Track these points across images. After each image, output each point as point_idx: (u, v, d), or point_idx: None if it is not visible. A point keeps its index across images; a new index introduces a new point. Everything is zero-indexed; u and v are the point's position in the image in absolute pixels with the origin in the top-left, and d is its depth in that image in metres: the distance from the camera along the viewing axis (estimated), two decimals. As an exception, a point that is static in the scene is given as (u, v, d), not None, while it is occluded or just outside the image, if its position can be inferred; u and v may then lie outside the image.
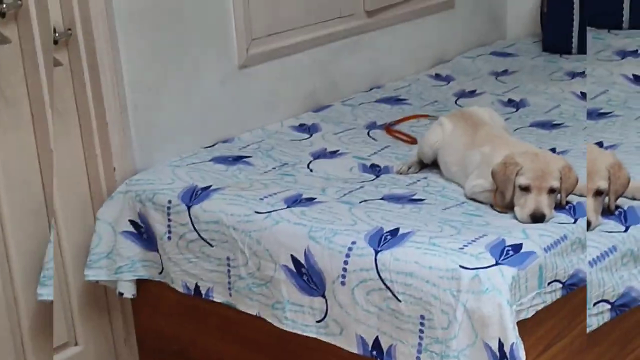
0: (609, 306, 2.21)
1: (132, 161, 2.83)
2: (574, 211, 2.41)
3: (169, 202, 2.63)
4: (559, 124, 3.13)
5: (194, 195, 2.62)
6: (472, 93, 3.53)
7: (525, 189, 2.38)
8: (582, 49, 3.96)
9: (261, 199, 2.55)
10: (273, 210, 2.47)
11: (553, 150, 2.82)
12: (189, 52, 2.95)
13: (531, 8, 4.35)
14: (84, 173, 2.81)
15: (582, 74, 3.68)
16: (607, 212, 2.33)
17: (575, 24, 3.96)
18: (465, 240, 2.22)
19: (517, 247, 2.19)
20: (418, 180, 2.71)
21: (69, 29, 2.67)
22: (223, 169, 2.81)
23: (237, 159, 2.88)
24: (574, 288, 2.30)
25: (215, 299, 2.58)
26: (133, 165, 2.83)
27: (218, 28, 3.03)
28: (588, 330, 2.21)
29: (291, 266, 2.37)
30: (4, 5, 2.52)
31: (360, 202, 2.51)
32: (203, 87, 3.01)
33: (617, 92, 3.28)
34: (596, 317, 2.21)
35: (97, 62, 2.69)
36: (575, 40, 3.96)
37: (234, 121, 3.13)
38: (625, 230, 2.27)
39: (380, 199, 2.55)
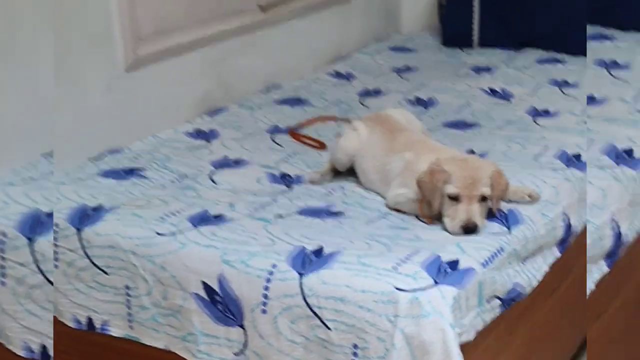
0: (499, 302, 2.08)
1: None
2: (507, 219, 2.23)
3: (56, 225, 2.32)
4: (473, 124, 2.96)
5: (84, 217, 2.32)
6: (377, 92, 3.33)
7: (455, 199, 2.19)
8: (483, 42, 3.82)
9: (162, 218, 2.28)
10: (178, 232, 2.20)
11: (472, 152, 2.65)
12: (69, 55, 2.63)
13: (426, 1, 4.19)
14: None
15: (488, 69, 3.54)
16: (491, 215, 2.22)
17: (476, 16, 3.81)
18: (398, 258, 2.01)
19: (453, 264, 2.00)
20: (334, 190, 2.48)
21: None
22: (114, 185, 2.51)
23: (130, 172, 2.59)
24: (512, 303, 2.13)
25: (112, 333, 2.29)
26: None
27: (101, 27, 2.73)
28: (481, 325, 2.06)
29: (203, 294, 2.11)
30: None
31: (276, 218, 2.27)
32: (86, 93, 2.70)
33: (479, 105, 3.14)
34: (489, 313, 2.07)
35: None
36: (476, 33, 3.82)
37: (122, 129, 2.82)
38: (509, 232, 2.18)
39: (297, 213, 2.31)
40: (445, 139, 2.73)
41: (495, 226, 2.20)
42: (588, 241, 2.41)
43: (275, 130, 2.95)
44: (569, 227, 2.39)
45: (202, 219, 2.26)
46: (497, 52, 3.76)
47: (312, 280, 1.99)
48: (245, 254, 2.08)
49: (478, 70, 3.55)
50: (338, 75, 3.57)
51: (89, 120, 2.71)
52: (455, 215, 2.18)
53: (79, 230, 2.28)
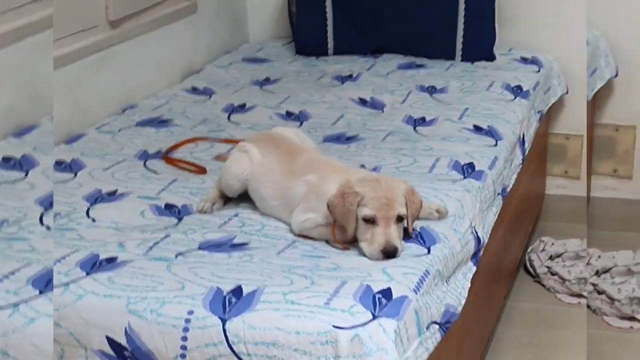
0: (437, 326, 1.98)
1: None
2: (423, 239, 2.12)
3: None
4: (353, 137, 2.82)
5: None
6: (242, 107, 3.14)
7: (371, 221, 2.05)
8: (338, 50, 3.72)
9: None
10: (71, 281, 1.94)
11: (362, 167, 2.52)
12: None
13: (273, 9, 4.05)
14: None
15: (351, 77, 3.43)
16: (406, 235, 2.13)
17: (330, 22, 3.70)
18: (327, 292, 1.85)
19: (387, 293, 1.86)
20: (229, 219, 2.28)
21: None
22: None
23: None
24: (449, 326, 2.02)
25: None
26: None
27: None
28: (427, 354, 1.95)
29: (109, 350, 1.85)
30: None
31: (177, 257, 2.05)
32: None
33: (353, 116, 3.04)
34: (431, 340, 1.96)
35: None
36: (330, 40, 3.71)
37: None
38: (428, 252, 2.08)
39: (198, 248, 2.10)
40: (332, 155, 2.59)
41: (413, 247, 2.08)
42: (457, 247, 2.26)
43: (145, 155, 2.71)
44: (478, 239, 2.31)
45: (94, 264, 2.02)
46: (354, 58, 3.67)
47: (237, 324, 1.78)
48: (154, 300, 1.86)
49: (341, 79, 3.43)
50: (195, 90, 3.35)
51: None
52: (373, 239, 2.04)
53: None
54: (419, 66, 3.54)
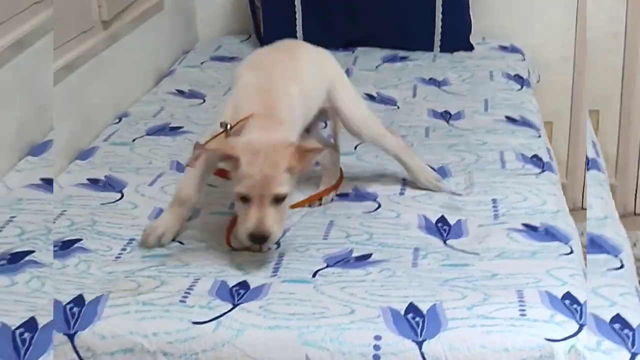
0: None
1: None
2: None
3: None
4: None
5: (70, 317, 1.73)
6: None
7: (244, 199, 1.87)
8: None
9: (182, 300, 1.77)
10: (220, 315, 1.72)
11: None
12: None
13: (222, 4, 3.82)
14: None
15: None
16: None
17: (299, 17, 3.54)
18: (512, 303, 1.73)
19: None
20: (327, 230, 2.11)
21: None
22: (60, 266, 1.92)
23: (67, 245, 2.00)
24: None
25: None
26: None
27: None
28: None
29: (285, 387, 1.66)
30: None
31: (314, 276, 1.86)
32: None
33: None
34: None
35: None
36: (300, 36, 3.54)
37: None
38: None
39: (326, 265, 1.92)
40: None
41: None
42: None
43: (180, 167, 2.44)
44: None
45: (230, 292, 1.79)
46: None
47: (435, 346, 1.63)
48: (330, 328, 1.66)
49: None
50: (182, 94, 3.10)
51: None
52: (244, 221, 1.86)
53: (70, 336, 1.70)
54: (403, 58, 3.43)
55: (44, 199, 2.21)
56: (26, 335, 1.65)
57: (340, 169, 2.36)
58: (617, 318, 1.71)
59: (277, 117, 1.98)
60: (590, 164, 2.52)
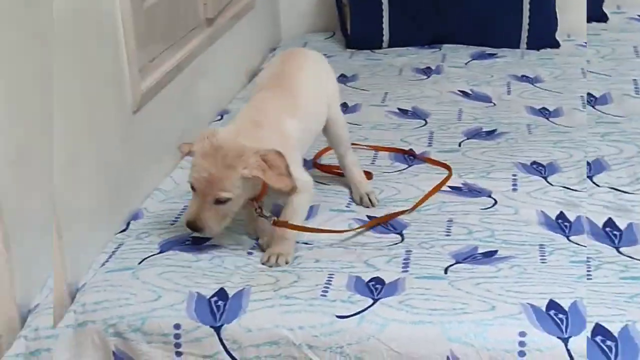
0: None
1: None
2: None
3: (177, 326, 1.76)
4: (491, 132, 2.70)
5: (216, 309, 1.78)
6: (346, 107, 2.89)
7: (193, 189, 1.92)
8: (393, 42, 3.58)
9: (323, 294, 1.81)
10: (363, 310, 1.76)
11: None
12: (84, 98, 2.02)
13: (308, 1, 3.86)
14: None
15: (430, 70, 3.29)
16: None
17: (386, 14, 3.56)
18: None
19: None
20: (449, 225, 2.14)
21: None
22: (193, 260, 1.97)
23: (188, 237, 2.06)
24: None
25: None
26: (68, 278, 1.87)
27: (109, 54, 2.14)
28: None
29: (431, 386, 1.70)
30: None
31: (446, 272, 1.89)
32: (106, 144, 2.11)
33: (469, 110, 2.90)
34: None
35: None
36: (386, 33, 3.56)
37: (133, 186, 2.26)
38: None
39: (456, 262, 1.95)
40: (476, 150, 2.52)
41: None
42: None
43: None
44: None
45: (367, 286, 1.84)
46: (414, 50, 3.53)
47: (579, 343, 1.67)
48: (474, 324, 1.70)
49: (423, 72, 3.28)
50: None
51: (106, 177, 2.08)
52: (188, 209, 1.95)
53: (217, 329, 1.75)
54: (491, 55, 3.44)
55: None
56: (220, 302, 1.79)
57: (367, 172, 2.38)
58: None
59: (281, 128, 2.02)
60: None
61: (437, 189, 2.31)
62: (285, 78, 2.17)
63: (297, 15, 3.86)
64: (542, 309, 1.73)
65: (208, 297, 1.81)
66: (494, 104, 2.97)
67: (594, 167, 2.38)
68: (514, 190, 2.31)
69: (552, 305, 1.74)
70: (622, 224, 2.08)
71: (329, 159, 2.51)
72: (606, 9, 3.57)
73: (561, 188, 2.29)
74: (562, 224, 2.11)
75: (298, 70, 2.20)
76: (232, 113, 2.90)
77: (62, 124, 1.85)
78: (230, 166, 1.86)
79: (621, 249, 1.98)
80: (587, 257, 1.93)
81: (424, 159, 2.52)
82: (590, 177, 2.33)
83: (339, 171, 2.41)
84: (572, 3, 3.65)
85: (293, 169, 1.92)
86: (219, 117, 2.88)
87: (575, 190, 2.27)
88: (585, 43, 3.53)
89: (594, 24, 3.51)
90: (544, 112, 2.86)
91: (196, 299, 1.81)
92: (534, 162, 2.45)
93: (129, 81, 2.20)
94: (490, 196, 2.28)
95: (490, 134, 2.70)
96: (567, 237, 2.05)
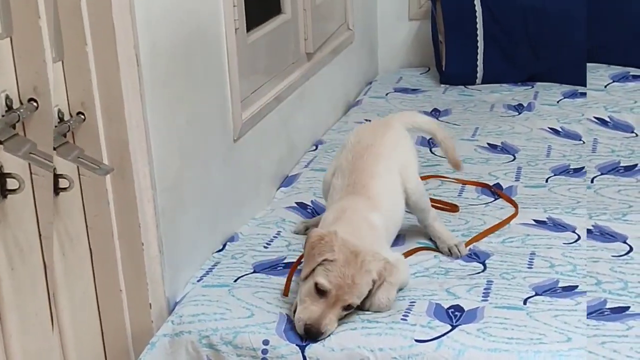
0: None
1: (163, 290, 2.02)
2: None
3: (266, 342, 1.88)
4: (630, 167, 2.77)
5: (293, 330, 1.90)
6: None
7: (321, 292, 1.87)
8: (487, 79, 3.67)
9: (403, 318, 1.91)
10: (442, 335, 1.85)
11: None
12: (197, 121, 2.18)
13: (404, 38, 3.98)
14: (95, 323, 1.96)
15: (521, 106, 3.37)
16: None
17: (480, 52, 3.65)
18: None
19: None
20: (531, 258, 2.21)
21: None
22: (279, 282, 2.10)
23: (280, 262, 2.19)
24: None
25: None
26: (165, 295, 2.02)
27: (215, 85, 2.30)
28: None
29: (503, 407, 1.77)
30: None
31: (525, 302, 1.97)
32: (209, 169, 2.26)
33: (558, 147, 2.98)
34: None
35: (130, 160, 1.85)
36: (480, 70, 3.66)
37: (230, 210, 2.40)
38: None
39: (535, 294, 2.02)
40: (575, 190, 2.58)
41: None
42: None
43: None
44: None
45: (446, 313, 1.93)
46: (507, 87, 3.62)
47: None
48: (549, 355, 1.77)
49: (514, 108, 3.36)
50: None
51: (212, 204, 2.24)
52: (308, 309, 1.86)
53: (302, 348, 1.86)
54: (583, 94, 3.49)
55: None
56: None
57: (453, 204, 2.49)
58: None
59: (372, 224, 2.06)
60: None
61: (500, 225, 2.38)
62: (359, 180, 2.16)
63: (393, 51, 3.99)
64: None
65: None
66: (583, 142, 3.03)
67: None
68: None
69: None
70: None
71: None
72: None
73: None
74: None
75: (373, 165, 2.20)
76: (327, 144, 3.03)
77: (172, 148, 2.02)
78: (367, 272, 1.90)
79: None
80: None
81: (497, 192, 2.59)
82: None
83: (438, 205, 2.48)
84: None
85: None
86: (314, 147, 3.01)
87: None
88: None
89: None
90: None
91: (287, 320, 1.93)
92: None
93: (231, 110, 2.34)
94: (625, 242, 2.28)
95: (630, 169, 2.76)
96: None
